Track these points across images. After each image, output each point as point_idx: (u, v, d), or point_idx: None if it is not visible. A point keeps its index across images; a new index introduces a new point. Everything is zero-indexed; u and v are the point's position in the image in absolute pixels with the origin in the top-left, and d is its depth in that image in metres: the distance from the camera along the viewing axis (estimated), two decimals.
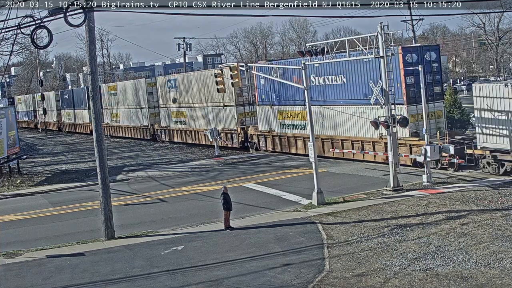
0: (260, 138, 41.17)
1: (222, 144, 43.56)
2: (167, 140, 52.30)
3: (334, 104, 34.06)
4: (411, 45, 33.82)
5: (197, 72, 50.90)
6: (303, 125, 36.33)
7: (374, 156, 31.48)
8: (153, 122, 54.34)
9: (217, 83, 31.03)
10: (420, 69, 26.70)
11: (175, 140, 50.61)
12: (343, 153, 33.69)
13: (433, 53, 29.91)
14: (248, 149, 42.45)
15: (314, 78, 31.09)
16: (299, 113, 36.89)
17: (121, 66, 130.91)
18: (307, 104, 25.42)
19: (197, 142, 47.50)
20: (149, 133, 55.00)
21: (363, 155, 32.20)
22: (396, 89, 28.49)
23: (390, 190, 25.21)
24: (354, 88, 32.59)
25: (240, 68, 30.06)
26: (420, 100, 27.96)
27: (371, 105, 29.09)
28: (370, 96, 29.48)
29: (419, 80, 27.65)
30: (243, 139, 42.80)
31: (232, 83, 29.87)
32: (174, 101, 50.02)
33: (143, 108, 55.09)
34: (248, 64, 33.63)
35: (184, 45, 72.12)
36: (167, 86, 51.26)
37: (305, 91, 25.27)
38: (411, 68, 29.05)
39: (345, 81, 33.12)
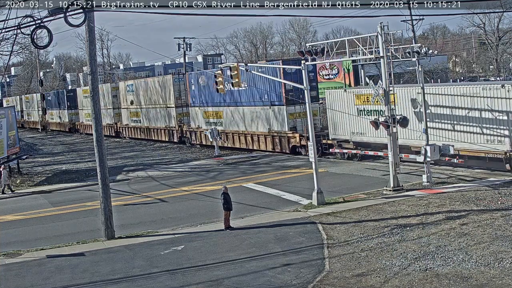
0: (191, 134, 48.74)
1: (164, 139, 52.53)
2: (127, 136, 61.72)
3: (241, 105, 42.13)
4: (290, 58, 45.62)
5: (149, 78, 60.78)
6: (220, 122, 44.89)
7: (266, 145, 40.32)
8: (116, 121, 63.85)
9: (216, 83, 31.08)
10: (304, 75, 25.79)
11: (133, 136, 59.99)
12: (246, 143, 41.99)
13: (311, 66, 32.69)
14: (184, 143, 49.93)
15: (227, 85, 34.05)
16: (216, 113, 45.24)
17: (121, 66, 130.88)
18: (307, 104, 25.42)
19: (150, 138, 55.42)
20: (113, 130, 64.86)
21: (259, 144, 40.87)
22: (276, 94, 37.99)
23: (390, 190, 25.21)
24: (253, 93, 40.78)
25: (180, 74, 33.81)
26: (297, 102, 36.09)
27: (263, 106, 39.55)
28: (264, 99, 38.99)
29: (296, 87, 31.88)
30: (180, 135, 50.31)
31: (232, 83, 29.95)
32: (132, 103, 58.16)
33: (109, 109, 63.91)
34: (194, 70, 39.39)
35: (184, 45, 72.16)
36: (126, 90, 59.00)
37: (305, 91, 25.28)
38: (290, 77, 35.03)
39: (245, 86, 40.71)
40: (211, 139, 42.73)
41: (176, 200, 28.39)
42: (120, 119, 62.59)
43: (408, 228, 19.69)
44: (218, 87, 30.44)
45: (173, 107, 50.28)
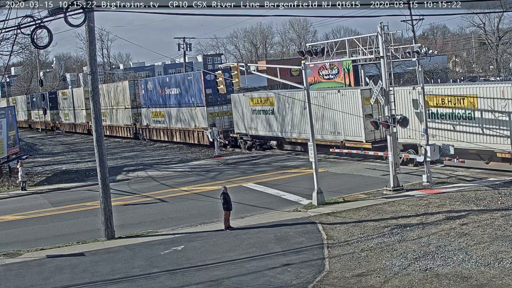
0: (143, 130, 56.53)
1: (123, 135, 60.82)
2: (147, 138, 66.78)
3: (174, 106, 49.84)
4: (209, 70, 51.78)
5: (112, 84, 68.64)
6: (164, 121, 51.89)
7: (193, 139, 47.62)
8: (88, 120, 67.83)
9: (217, 83, 31.11)
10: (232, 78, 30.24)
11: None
12: (181, 138, 49.66)
13: (227, 73, 37.13)
14: (138, 138, 57.33)
15: (167, 89, 45.29)
16: (160, 113, 52.54)
17: (121, 66, 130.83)
18: (307, 104, 25.42)
19: (114, 134, 63.30)
20: (86, 128, 71.13)
21: (190, 138, 48.03)
22: (198, 97, 45.64)
23: (390, 190, 25.21)
24: (183, 96, 48.21)
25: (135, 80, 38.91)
26: (217, 103, 45.04)
27: (190, 107, 47.10)
28: (192, 101, 46.41)
29: (214, 91, 41.87)
30: (135, 131, 58.18)
31: (232, 83, 29.99)
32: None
33: (82, 109, 71.88)
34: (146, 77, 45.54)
35: (184, 45, 72.12)
36: None
37: (305, 91, 25.28)
38: (209, 83, 43.77)
39: (179, 92, 48.68)
40: (211, 139, 42.84)
41: (176, 200, 28.39)
42: (91, 119, 67.69)
43: (408, 228, 19.69)
44: (218, 87, 30.46)
45: (129, 108, 58.16)
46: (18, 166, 34.88)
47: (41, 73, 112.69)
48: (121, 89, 59.48)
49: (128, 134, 59.82)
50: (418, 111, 29.20)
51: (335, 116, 34.32)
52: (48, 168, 43.46)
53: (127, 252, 20.00)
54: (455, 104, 28.49)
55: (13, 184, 36.02)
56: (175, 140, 50.80)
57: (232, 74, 28.97)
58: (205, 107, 45.04)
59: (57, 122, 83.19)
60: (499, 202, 21.86)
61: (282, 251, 18.49)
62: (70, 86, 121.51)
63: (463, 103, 28.10)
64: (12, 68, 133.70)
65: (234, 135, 44.02)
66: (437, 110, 29.32)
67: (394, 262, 16.50)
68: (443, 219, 20.32)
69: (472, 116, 27.80)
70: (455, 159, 27.18)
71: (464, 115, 28.17)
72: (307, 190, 25.91)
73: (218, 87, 30.34)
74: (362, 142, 32.84)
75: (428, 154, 25.75)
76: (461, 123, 28.33)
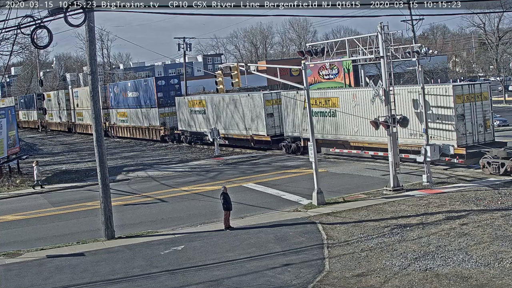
0: (111, 128, 63.58)
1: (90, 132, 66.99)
2: (77, 132, 74.92)
3: (134, 107, 57.26)
4: (161, 76, 61.27)
5: (86, 87, 74.57)
6: (127, 120, 59.44)
7: (148, 135, 55.44)
8: (69, 119, 77.22)
9: (216, 83, 31.09)
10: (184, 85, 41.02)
11: (79, 131, 73.13)
12: (141, 135, 57.10)
13: (176, 79, 54.36)
14: (108, 135, 61.76)
15: (129, 93, 52.52)
16: (124, 113, 60.04)
17: (121, 66, 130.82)
18: (307, 105, 25.43)
19: (89, 132, 66.55)
20: (66, 127, 78.88)
21: (147, 135, 55.35)
22: (152, 99, 53.14)
23: (390, 190, 25.21)
24: (140, 98, 55.69)
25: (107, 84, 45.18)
26: (167, 105, 52.55)
27: (146, 108, 54.56)
28: (146, 103, 54.47)
29: (165, 94, 52.40)
30: (105, 130, 60.28)
31: (232, 83, 29.98)
32: (77, 105, 72.53)
33: (64, 110, 78.30)
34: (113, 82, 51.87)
35: (184, 45, 72.04)
36: (74, 96, 73.75)
37: (305, 91, 25.29)
38: (161, 88, 52.70)
39: (137, 95, 56.10)
40: (211, 139, 42.85)
41: (176, 200, 28.38)
42: (71, 118, 76.43)
43: (408, 228, 19.69)
44: (218, 87, 30.45)
45: (100, 108, 63.37)
46: (34, 165, 35.12)
47: (41, 73, 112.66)
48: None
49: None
50: (354, 106, 33.62)
51: (246, 115, 42.17)
52: (48, 168, 43.43)
53: (127, 252, 20.00)
54: (323, 104, 35.65)
55: (13, 184, 36.01)
56: (135, 136, 58.49)
57: (232, 74, 28.95)
58: (157, 108, 52.85)
59: (42, 122, 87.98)
60: (499, 202, 21.87)
61: (282, 251, 18.49)
62: (70, 86, 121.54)
63: (329, 104, 35.37)
64: (12, 68, 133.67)
65: (178, 132, 51.27)
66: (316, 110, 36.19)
67: (394, 262, 16.50)
68: (443, 219, 20.32)
69: (335, 114, 34.97)
70: (456, 159, 27.21)
71: (329, 113, 35.54)
72: (307, 190, 25.91)
73: (218, 87, 30.33)
74: (264, 135, 40.55)
75: (428, 154, 25.75)
76: (327, 119, 35.74)
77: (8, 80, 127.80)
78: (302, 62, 26.17)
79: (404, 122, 26.09)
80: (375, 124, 26.25)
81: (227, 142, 44.76)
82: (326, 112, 35.59)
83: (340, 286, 15.26)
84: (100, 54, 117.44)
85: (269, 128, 40.25)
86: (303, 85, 25.65)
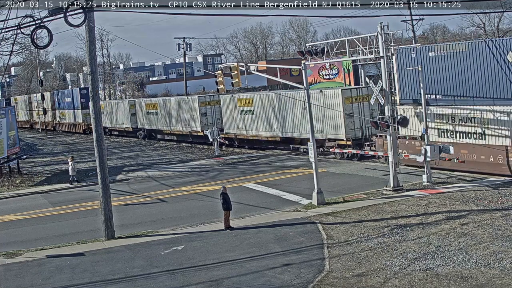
0: (58, 126, 79.11)
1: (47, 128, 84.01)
2: (40, 129, 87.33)
3: (68, 109, 74.35)
4: (84, 87, 76.57)
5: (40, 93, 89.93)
6: (65, 118, 75.35)
7: (76, 129, 72.80)
8: (30, 118, 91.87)
9: (217, 83, 31.11)
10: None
11: (41, 127, 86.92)
12: (72, 129, 74.13)
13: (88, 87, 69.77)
14: (55, 130, 79.73)
15: (62, 97, 74.55)
16: (63, 113, 76.38)
17: (121, 66, 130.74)
18: (307, 105, 25.43)
19: (43, 128, 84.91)
20: (29, 124, 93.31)
21: (76, 129, 72.20)
22: (78, 103, 69.84)
23: (390, 190, 25.21)
24: (72, 102, 72.26)
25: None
26: (87, 107, 63.81)
27: (74, 109, 71.97)
28: (77, 106, 71.29)
29: (86, 100, 63.92)
30: (53, 126, 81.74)
31: (232, 83, 30.01)
32: (36, 107, 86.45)
33: (25, 110, 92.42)
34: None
35: (184, 45, 72.13)
36: (35, 99, 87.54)
37: (305, 91, 25.29)
38: (83, 95, 69.03)
39: (71, 100, 72.56)
40: (211, 139, 42.91)
41: (176, 200, 28.38)
42: (32, 117, 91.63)
43: (408, 228, 19.69)
44: (218, 87, 30.45)
45: (50, 110, 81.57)
46: (69, 161, 35.58)
47: (41, 73, 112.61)
48: (47, 97, 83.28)
49: (47, 127, 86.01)
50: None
51: (187, 114, 49.96)
52: (48, 168, 43.45)
53: (127, 252, 20.00)
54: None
55: (13, 184, 36.00)
56: (71, 130, 75.23)
57: (232, 74, 28.96)
58: (81, 110, 70.02)
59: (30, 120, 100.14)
60: (499, 202, 21.86)
61: (282, 251, 18.49)
62: (70, 86, 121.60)
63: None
64: (12, 68, 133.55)
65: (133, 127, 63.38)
66: (243, 109, 43.23)
67: (394, 262, 16.50)
68: (443, 219, 20.32)
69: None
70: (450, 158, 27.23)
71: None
72: (307, 190, 25.91)
73: (218, 87, 30.35)
74: (198, 131, 48.04)
75: (428, 154, 25.75)
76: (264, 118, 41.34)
77: (8, 80, 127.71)
78: (302, 62, 26.18)
79: (404, 122, 26.10)
80: (375, 124, 26.25)
81: (176, 138, 53.96)
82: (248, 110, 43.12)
83: (340, 286, 15.27)
84: (100, 54, 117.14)
85: (203, 126, 47.96)
86: (303, 85, 25.65)
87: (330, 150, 35.70)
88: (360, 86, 38.25)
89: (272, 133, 41.00)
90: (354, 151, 33.77)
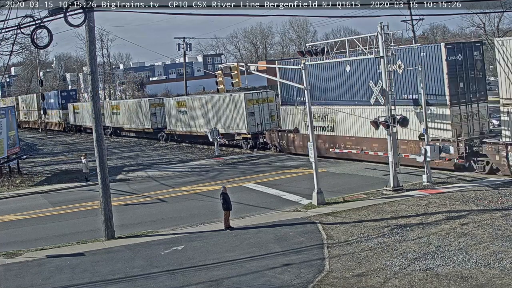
0: (46, 124, 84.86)
1: (35, 127, 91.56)
2: (22, 126, 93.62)
3: (53, 109, 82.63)
4: (65, 89, 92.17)
5: (28, 95, 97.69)
6: (51, 117, 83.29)
7: (58, 127, 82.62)
8: (18, 118, 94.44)
9: (217, 83, 31.12)
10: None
11: (24, 126, 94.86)
12: (50, 127, 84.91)
13: (73, 92, 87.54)
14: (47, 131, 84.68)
15: (49, 99, 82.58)
16: (56, 113, 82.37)
17: (121, 66, 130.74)
18: (307, 105, 25.44)
19: (31, 127, 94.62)
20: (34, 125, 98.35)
21: (58, 127, 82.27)
22: (58, 104, 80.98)
23: (390, 190, 25.21)
24: (54, 103, 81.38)
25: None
26: (65, 108, 78.63)
27: (57, 110, 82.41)
28: (57, 106, 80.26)
29: (66, 101, 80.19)
30: (44, 126, 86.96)
31: (232, 83, 30.01)
32: (23, 108, 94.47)
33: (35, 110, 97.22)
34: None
35: (184, 45, 72.07)
36: (21, 100, 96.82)
37: (305, 91, 25.29)
38: (64, 97, 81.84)
39: (54, 101, 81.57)
40: (211, 139, 42.93)
41: (176, 200, 28.39)
42: (19, 117, 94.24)
43: (408, 228, 19.69)
44: (218, 87, 30.46)
45: (36, 110, 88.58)
46: (82, 158, 36.06)
47: (41, 73, 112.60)
48: (34, 99, 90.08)
49: (38, 126, 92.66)
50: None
51: (141, 115, 58.02)
52: (48, 168, 43.45)
53: (127, 252, 20.00)
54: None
55: (13, 184, 35.99)
56: (53, 128, 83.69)
57: (232, 74, 28.97)
58: (61, 110, 79.51)
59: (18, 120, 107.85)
60: (499, 202, 21.86)
61: (282, 251, 18.50)
62: (70, 86, 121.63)
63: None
64: (12, 68, 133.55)
65: (73, 124, 75.90)
66: (178, 109, 51.42)
67: (394, 262, 16.50)
68: (443, 219, 20.32)
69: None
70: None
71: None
72: (307, 190, 25.91)
73: (218, 87, 30.35)
74: (149, 128, 56.39)
75: (428, 154, 25.75)
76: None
77: (8, 80, 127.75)
78: (302, 62, 26.13)
79: (404, 122, 26.12)
80: (375, 124, 26.25)
81: (134, 134, 61.56)
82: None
83: (340, 286, 15.27)
84: (100, 54, 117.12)
85: (153, 124, 56.09)
86: (303, 85, 25.63)
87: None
88: (261, 90, 46.61)
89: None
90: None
